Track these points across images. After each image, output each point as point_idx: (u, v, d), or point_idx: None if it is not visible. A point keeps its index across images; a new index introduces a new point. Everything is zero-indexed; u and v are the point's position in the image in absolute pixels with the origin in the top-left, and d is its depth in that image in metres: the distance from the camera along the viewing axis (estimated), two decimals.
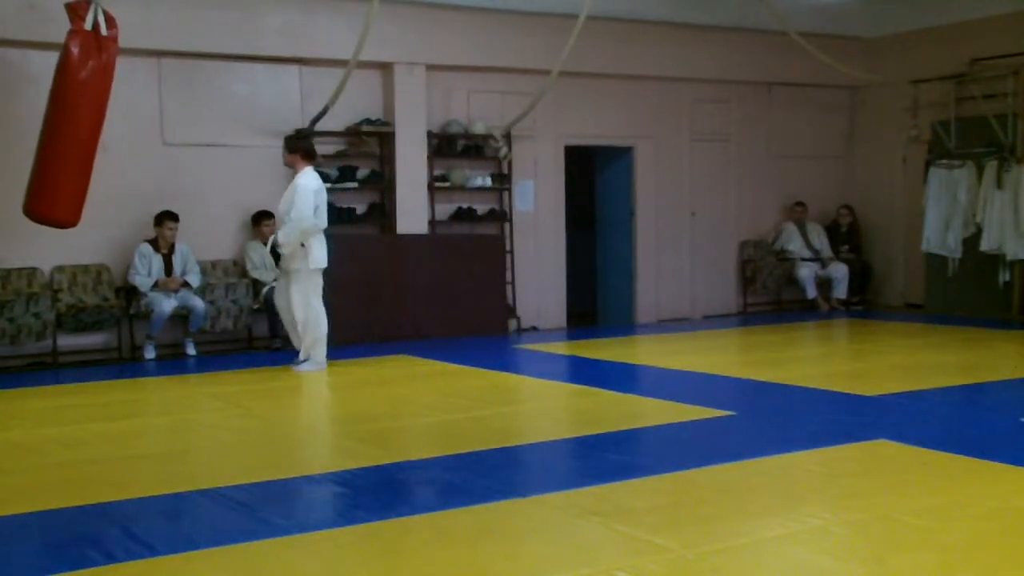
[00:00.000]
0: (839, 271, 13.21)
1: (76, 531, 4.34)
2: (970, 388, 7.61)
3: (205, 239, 10.16)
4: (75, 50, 7.73)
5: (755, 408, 7.01)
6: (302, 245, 8.59)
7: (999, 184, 11.78)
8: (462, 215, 11.40)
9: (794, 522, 4.19)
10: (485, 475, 5.11)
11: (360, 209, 10.94)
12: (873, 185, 13.72)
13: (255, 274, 10.17)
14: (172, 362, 9.58)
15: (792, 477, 5.01)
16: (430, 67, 11.09)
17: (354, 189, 10.85)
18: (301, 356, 8.76)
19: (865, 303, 13.47)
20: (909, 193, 13.12)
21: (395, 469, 5.31)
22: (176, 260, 9.81)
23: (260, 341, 10.28)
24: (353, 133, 10.86)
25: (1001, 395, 7.35)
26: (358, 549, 4.05)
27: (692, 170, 12.88)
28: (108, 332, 9.75)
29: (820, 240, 13.44)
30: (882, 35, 13.23)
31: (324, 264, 8.74)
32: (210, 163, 10.21)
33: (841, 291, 13.20)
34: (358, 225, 10.90)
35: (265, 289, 10.05)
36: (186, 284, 9.78)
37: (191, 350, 9.87)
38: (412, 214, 11.01)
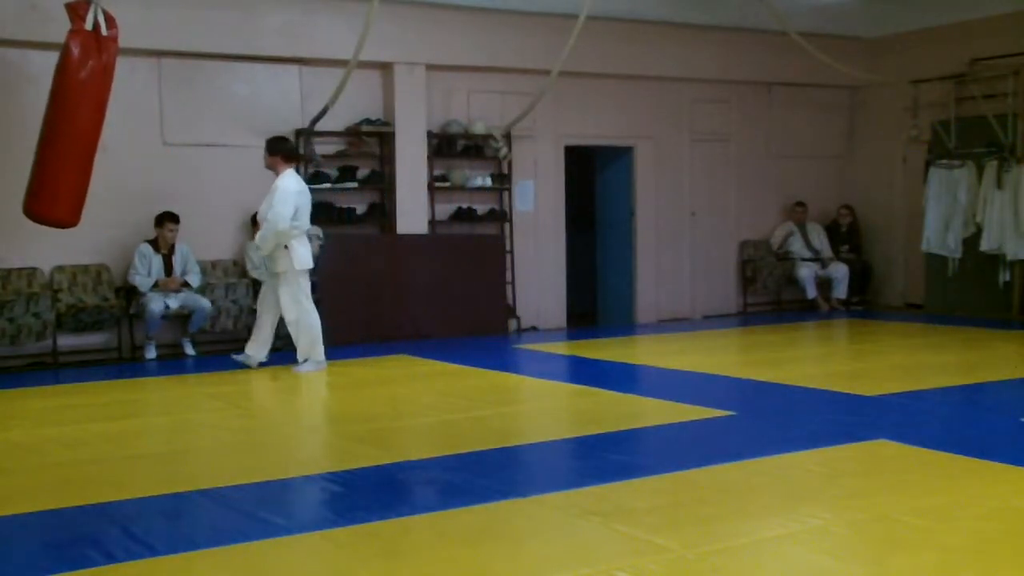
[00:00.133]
0: (839, 271, 13.21)
1: (76, 531, 4.34)
2: (970, 388, 7.61)
3: (205, 239, 10.16)
4: (75, 50, 7.73)
5: (755, 408, 7.01)
6: (285, 247, 8.58)
7: (999, 184, 11.78)
8: (462, 215, 11.40)
9: (794, 522, 4.19)
10: (485, 475, 5.11)
11: (360, 209, 10.94)
12: (873, 185, 13.72)
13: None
14: (172, 362, 9.58)
15: (792, 477, 5.01)
16: (430, 67, 11.09)
17: (354, 189, 10.86)
18: (300, 357, 8.76)
19: (865, 303, 13.47)
20: (909, 193, 13.12)
21: (395, 469, 5.31)
22: (176, 260, 9.82)
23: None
24: (353, 133, 10.86)
25: (1001, 395, 7.35)
26: (358, 549, 4.05)
27: (692, 170, 12.88)
28: (108, 332, 9.76)
29: (820, 240, 13.44)
30: (882, 35, 13.23)
31: (309, 264, 8.76)
32: (210, 163, 10.21)
33: (841, 291, 13.20)
34: (358, 225, 10.90)
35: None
36: (186, 284, 9.79)
37: (190, 350, 9.87)
38: (412, 214, 11.01)
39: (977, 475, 4.97)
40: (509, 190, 11.66)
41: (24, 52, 9.42)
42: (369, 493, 4.83)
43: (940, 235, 12.31)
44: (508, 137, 11.29)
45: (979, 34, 12.20)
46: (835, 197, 13.80)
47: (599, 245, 12.98)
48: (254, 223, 10.30)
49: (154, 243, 9.76)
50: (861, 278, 13.51)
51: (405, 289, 10.90)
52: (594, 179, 12.98)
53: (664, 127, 12.63)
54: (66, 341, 9.52)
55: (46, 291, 9.34)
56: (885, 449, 5.55)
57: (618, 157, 12.57)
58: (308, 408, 7.74)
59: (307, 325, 8.69)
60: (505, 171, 11.58)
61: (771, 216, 13.48)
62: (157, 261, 9.74)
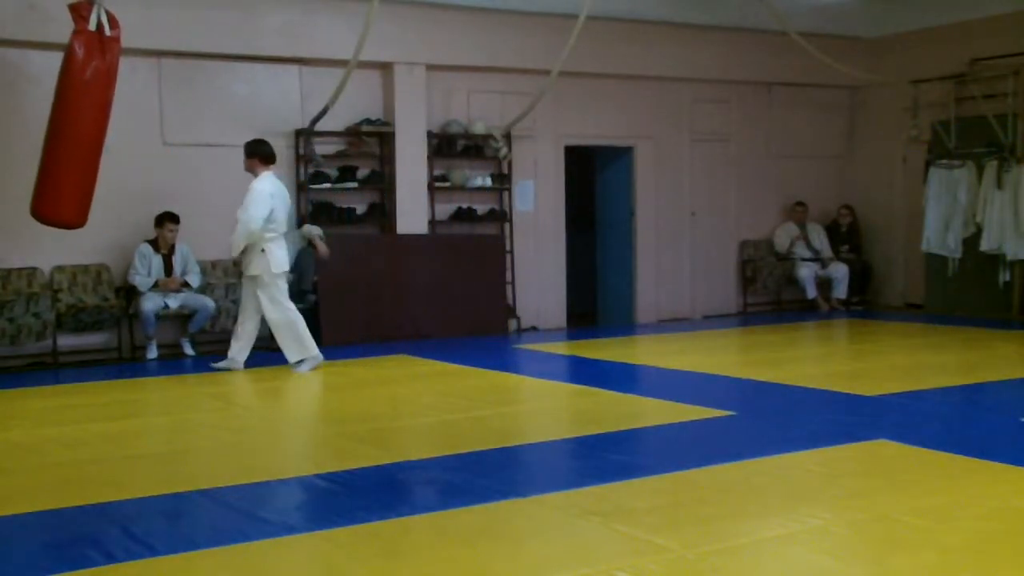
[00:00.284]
0: (839, 271, 13.21)
1: (76, 531, 4.34)
2: (970, 388, 7.61)
3: (205, 239, 10.15)
4: (79, 51, 7.70)
5: (755, 408, 7.01)
6: (262, 250, 8.58)
7: (999, 184, 11.78)
8: (462, 215, 11.40)
9: (794, 522, 4.19)
10: (485, 475, 5.11)
11: (360, 209, 10.95)
12: (873, 185, 13.72)
13: None
14: (172, 362, 9.58)
15: (792, 477, 5.01)
16: (430, 67, 11.09)
17: (354, 189, 10.86)
18: (292, 359, 8.74)
19: (865, 303, 13.47)
20: (909, 193, 13.12)
21: (395, 469, 5.31)
22: (176, 260, 9.82)
23: (260, 341, 10.23)
24: (353, 133, 10.86)
25: (1001, 395, 7.35)
26: (358, 549, 4.05)
27: (692, 170, 12.88)
28: (108, 332, 9.76)
29: (820, 240, 13.44)
30: (882, 35, 13.23)
31: (286, 267, 8.78)
32: (210, 163, 10.20)
33: (841, 291, 13.20)
34: (358, 225, 10.90)
35: None
36: (186, 284, 9.79)
37: (189, 350, 9.87)
38: (412, 214, 11.01)
39: (977, 475, 4.97)
40: (509, 190, 11.65)
41: (24, 52, 9.42)
42: (369, 493, 4.83)
43: (940, 235, 12.31)
44: (508, 137, 11.29)
45: (979, 34, 12.20)
46: (835, 197, 13.80)
47: (599, 245, 12.98)
48: None
49: (154, 243, 9.76)
50: (861, 278, 13.51)
51: (405, 289, 10.90)
52: (594, 179, 12.98)
53: (664, 127, 12.63)
54: (66, 341, 9.52)
55: (46, 291, 9.34)
56: (885, 449, 5.55)
57: (618, 157, 12.57)
58: (308, 408, 7.74)
59: (288, 323, 8.69)
60: (505, 171, 11.58)
61: (771, 216, 13.48)
62: (157, 261, 9.74)
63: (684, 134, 12.80)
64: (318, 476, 5.15)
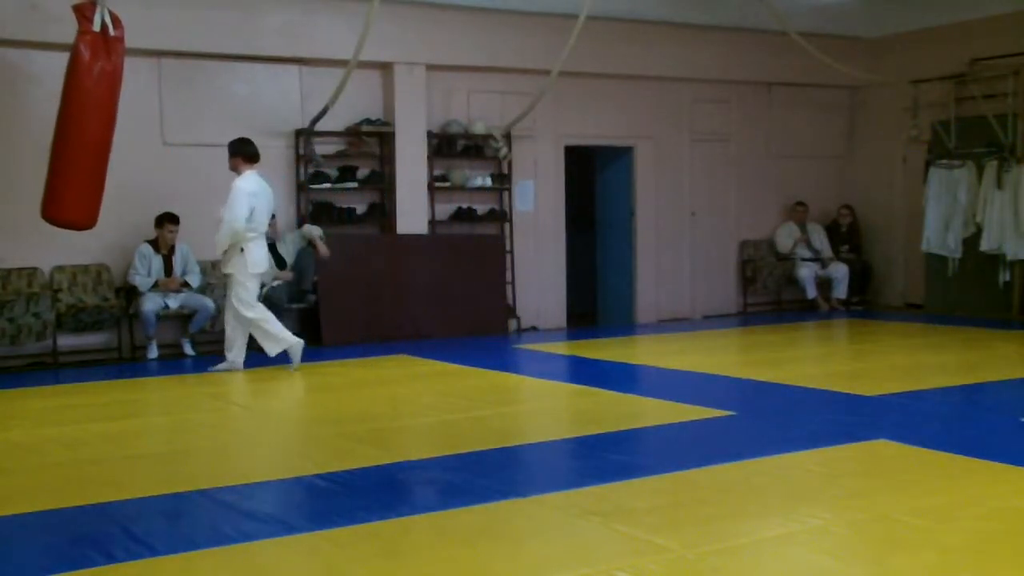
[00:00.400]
0: (839, 271, 13.21)
1: (76, 531, 4.34)
2: (970, 388, 7.61)
3: (205, 239, 10.12)
4: (86, 53, 7.69)
5: (755, 408, 7.01)
6: (241, 250, 8.59)
7: (999, 184, 11.78)
8: (462, 215, 11.40)
9: (794, 522, 4.19)
10: (485, 475, 5.11)
11: (360, 209, 10.95)
12: (873, 185, 13.72)
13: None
14: (172, 362, 9.58)
15: (792, 477, 5.00)
16: (430, 67, 11.09)
17: (354, 189, 10.86)
18: (273, 352, 8.73)
19: (865, 303, 13.47)
20: (909, 193, 13.12)
21: (395, 469, 5.31)
22: (176, 260, 9.82)
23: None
24: (353, 133, 10.86)
25: (1001, 395, 7.35)
26: (358, 549, 4.05)
27: (692, 170, 12.88)
28: (108, 332, 9.76)
29: (820, 240, 13.44)
30: (882, 35, 13.24)
31: (262, 268, 8.78)
32: (210, 163, 10.17)
33: (841, 291, 13.20)
34: (358, 225, 10.90)
35: (265, 289, 10.04)
36: (186, 284, 9.79)
37: (190, 350, 9.87)
38: (412, 214, 11.01)
39: (977, 475, 4.97)
40: (509, 190, 11.65)
41: (25, 52, 9.42)
42: (369, 493, 4.83)
43: (940, 235, 12.31)
44: (508, 137, 11.29)
45: (979, 34, 12.20)
46: (835, 197, 13.80)
47: (599, 245, 12.98)
48: None
49: (154, 243, 9.77)
50: (861, 278, 13.51)
51: (405, 289, 10.90)
52: (594, 179, 12.97)
53: (664, 127, 12.63)
54: (66, 341, 9.52)
55: (46, 291, 9.34)
56: (885, 449, 5.55)
57: (618, 157, 12.57)
58: (308, 408, 7.74)
59: (260, 321, 8.68)
60: (505, 171, 11.58)
61: (771, 216, 13.48)
62: (157, 261, 9.75)
63: (684, 134, 12.80)
64: (318, 476, 5.15)
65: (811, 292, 13.16)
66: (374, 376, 8.68)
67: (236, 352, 8.79)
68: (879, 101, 13.54)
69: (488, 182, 11.46)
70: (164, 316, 9.71)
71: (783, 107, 13.42)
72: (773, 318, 12.79)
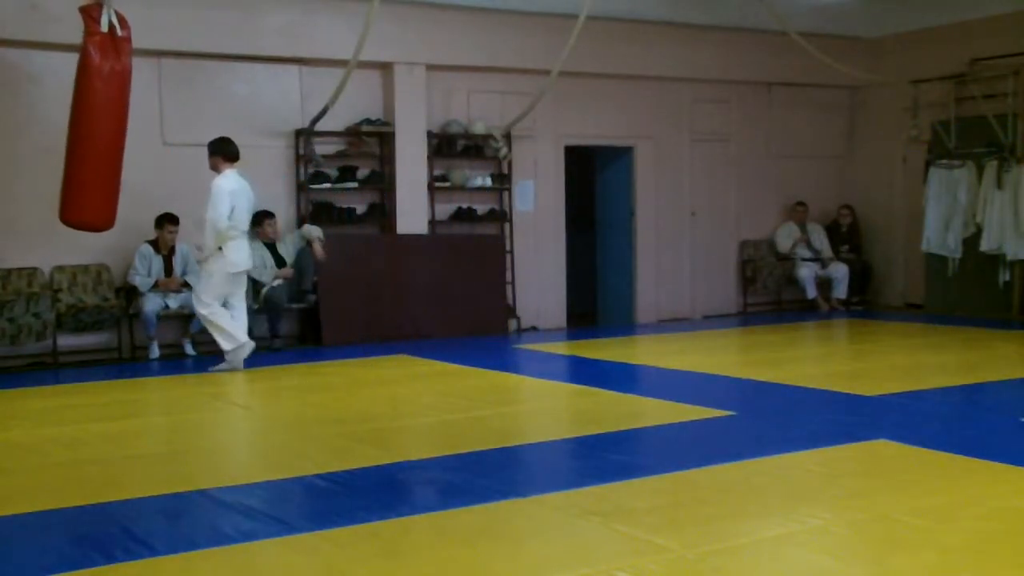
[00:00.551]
0: (839, 271, 13.21)
1: (76, 531, 4.34)
2: (970, 388, 7.60)
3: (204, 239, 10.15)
4: (95, 55, 7.67)
5: (755, 408, 7.01)
6: (220, 249, 8.59)
7: (999, 184, 11.78)
8: (462, 215, 11.40)
9: (794, 522, 4.19)
10: (485, 475, 5.11)
11: (360, 209, 10.95)
12: (873, 185, 13.72)
13: (254, 274, 10.15)
14: (172, 362, 9.58)
15: (792, 477, 5.00)
16: (430, 67, 11.09)
17: (354, 189, 10.86)
18: (228, 347, 8.74)
19: (865, 303, 13.47)
20: (909, 193, 13.12)
21: (395, 469, 5.31)
22: (176, 260, 9.82)
23: (260, 341, 10.23)
24: (353, 133, 10.86)
25: (1001, 395, 7.35)
26: (358, 549, 4.05)
27: (692, 170, 12.88)
28: (108, 332, 9.76)
29: (820, 240, 13.44)
30: (882, 35, 13.23)
31: (242, 267, 8.78)
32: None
33: (841, 291, 13.20)
34: (358, 225, 10.90)
35: (265, 289, 10.06)
36: (186, 284, 9.79)
37: (190, 350, 9.87)
38: (412, 214, 11.01)
39: (977, 475, 4.97)
40: (509, 190, 11.65)
41: (26, 52, 9.42)
42: (369, 493, 4.83)
43: (940, 235, 12.31)
44: (508, 137, 11.29)
45: (979, 34, 12.20)
46: (835, 197, 13.80)
47: (599, 245, 12.98)
48: (255, 223, 10.28)
49: (154, 244, 9.77)
50: (861, 278, 13.51)
51: (405, 289, 10.90)
52: (594, 179, 12.97)
53: (664, 127, 12.63)
54: (66, 341, 9.52)
55: (46, 291, 9.34)
56: (885, 449, 5.55)
57: (618, 157, 12.57)
58: (307, 408, 7.73)
59: (211, 315, 8.70)
60: (505, 171, 11.58)
61: (771, 216, 13.48)
62: (157, 262, 9.75)
63: (684, 134, 12.80)
64: (318, 476, 5.15)
65: (811, 292, 13.16)
66: (374, 376, 8.68)
67: (227, 341, 8.74)
68: (879, 101, 13.54)
69: (488, 182, 11.46)
70: (164, 316, 9.71)
71: (783, 107, 13.42)
72: (773, 318, 12.79)
